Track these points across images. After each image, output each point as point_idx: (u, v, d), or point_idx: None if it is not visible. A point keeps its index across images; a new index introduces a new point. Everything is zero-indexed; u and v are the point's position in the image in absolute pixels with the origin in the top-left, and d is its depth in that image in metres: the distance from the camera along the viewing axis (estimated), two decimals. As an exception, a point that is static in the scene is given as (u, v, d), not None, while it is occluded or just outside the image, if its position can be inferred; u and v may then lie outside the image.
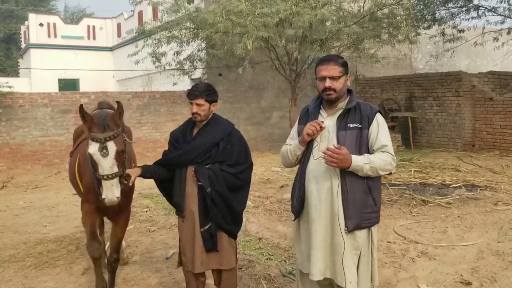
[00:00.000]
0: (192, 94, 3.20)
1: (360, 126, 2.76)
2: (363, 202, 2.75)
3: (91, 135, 3.10)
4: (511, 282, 4.04)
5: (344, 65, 2.82)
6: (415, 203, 6.82)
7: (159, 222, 6.36)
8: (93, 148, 3.07)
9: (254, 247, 5.17)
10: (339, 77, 2.77)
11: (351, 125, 2.76)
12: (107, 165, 3.07)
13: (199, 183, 3.13)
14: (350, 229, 2.71)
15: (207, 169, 3.14)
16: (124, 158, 3.21)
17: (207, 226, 3.15)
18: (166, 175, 3.32)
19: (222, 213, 3.17)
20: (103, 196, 3.11)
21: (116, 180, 3.11)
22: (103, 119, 3.16)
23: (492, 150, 11.65)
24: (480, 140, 12.15)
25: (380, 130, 2.77)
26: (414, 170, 9.37)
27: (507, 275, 4.19)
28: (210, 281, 3.65)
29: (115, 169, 3.10)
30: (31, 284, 4.36)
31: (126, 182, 3.21)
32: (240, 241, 4.93)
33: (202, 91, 3.19)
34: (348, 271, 2.71)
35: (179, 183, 3.24)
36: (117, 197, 3.11)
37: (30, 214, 7.28)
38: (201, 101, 3.18)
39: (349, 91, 2.89)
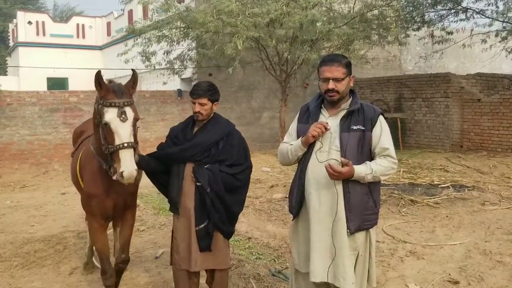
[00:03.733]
0: (195, 93, 3.18)
1: (363, 128, 2.74)
2: (364, 204, 2.73)
3: (108, 102, 2.95)
4: (498, 281, 4.09)
5: (348, 65, 2.77)
6: (403, 203, 6.87)
7: (148, 222, 6.33)
8: (111, 115, 2.92)
9: (243, 246, 5.18)
10: (343, 79, 2.73)
11: (354, 127, 2.73)
12: (126, 131, 2.92)
13: (198, 183, 3.11)
14: (352, 231, 2.69)
15: (206, 170, 3.13)
16: (136, 131, 3.08)
17: (203, 225, 3.13)
18: (158, 168, 3.28)
19: (219, 213, 3.15)
20: (121, 169, 2.84)
21: (133, 151, 2.94)
22: (118, 86, 3.06)
23: (479, 150, 11.76)
24: (468, 141, 12.27)
25: (382, 133, 2.77)
26: (403, 171, 9.43)
27: (494, 274, 4.24)
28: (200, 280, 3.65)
29: (132, 139, 2.95)
30: (18, 284, 4.31)
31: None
32: (230, 241, 4.93)
33: (206, 90, 3.18)
34: (348, 272, 2.69)
35: (177, 180, 3.20)
36: (136, 169, 2.90)
37: (17, 214, 7.20)
38: (204, 100, 3.16)
39: (352, 92, 2.86)
